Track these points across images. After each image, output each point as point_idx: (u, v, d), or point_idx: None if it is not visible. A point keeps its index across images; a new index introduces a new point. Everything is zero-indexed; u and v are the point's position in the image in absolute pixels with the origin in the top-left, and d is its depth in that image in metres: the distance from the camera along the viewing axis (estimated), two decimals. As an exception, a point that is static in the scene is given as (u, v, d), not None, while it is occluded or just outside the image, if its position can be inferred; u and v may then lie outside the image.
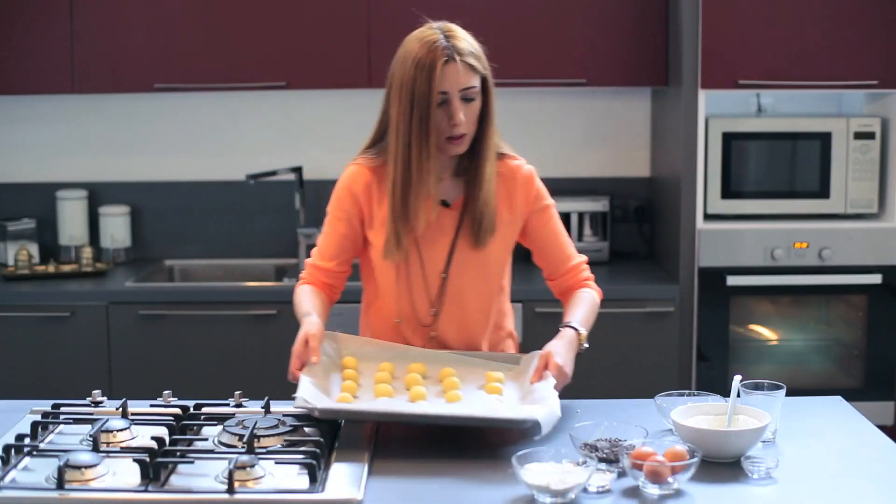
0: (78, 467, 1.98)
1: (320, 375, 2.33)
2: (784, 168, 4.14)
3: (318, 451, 2.05)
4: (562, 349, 2.38)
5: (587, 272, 2.60)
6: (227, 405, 2.40)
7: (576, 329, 2.45)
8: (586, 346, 2.46)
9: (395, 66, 2.42)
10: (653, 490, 1.95)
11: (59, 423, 2.30)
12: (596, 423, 2.18)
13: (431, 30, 2.41)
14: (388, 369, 2.39)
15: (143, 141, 4.52)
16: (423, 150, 2.37)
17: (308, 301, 2.51)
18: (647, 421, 2.26)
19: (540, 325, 3.72)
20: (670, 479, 1.95)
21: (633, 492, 1.98)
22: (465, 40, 2.39)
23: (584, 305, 2.53)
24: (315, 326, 2.38)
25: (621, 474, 2.03)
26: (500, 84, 2.46)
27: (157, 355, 4.00)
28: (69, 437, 2.24)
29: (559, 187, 3.87)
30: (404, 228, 2.43)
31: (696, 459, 1.96)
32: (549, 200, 2.56)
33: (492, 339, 2.60)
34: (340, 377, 2.38)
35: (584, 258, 2.60)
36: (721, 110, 4.24)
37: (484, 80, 2.39)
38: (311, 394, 2.20)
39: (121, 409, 2.34)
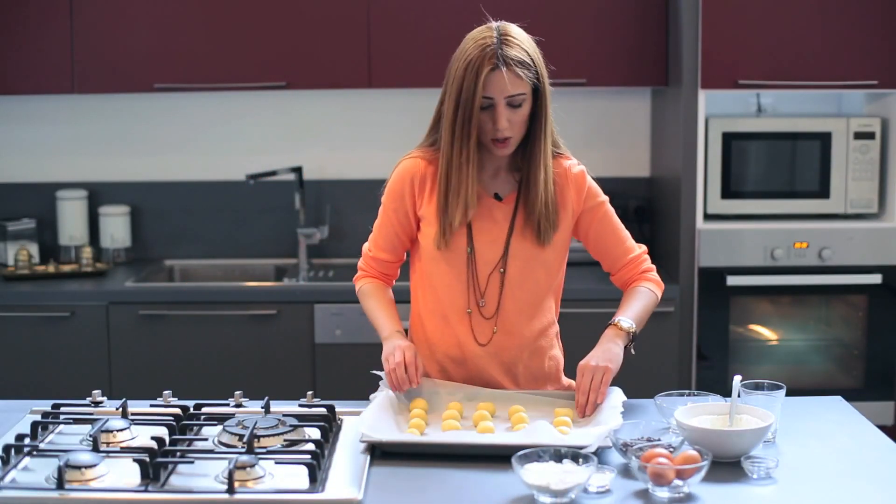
0: (78, 467, 1.98)
1: (388, 413, 2.31)
2: (784, 168, 4.14)
3: (318, 451, 2.05)
4: (593, 355, 2.41)
5: (647, 263, 2.60)
6: (227, 405, 2.40)
7: (614, 324, 2.47)
8: (634, 329, 2.47)
9: (452, 62, 2.42)
10: (662, 493, 1.95)
11: (59, 423, 2.30)
12: (634, 422, 2.19)
13: (489, 30, 2.40)
14: (457, 408, 2.36)
15: (143, 141, 4.53)
16: (464, 151, 2.39)
17: (381, 307, 2.56)
18: (647, 421, 2.26)
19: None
20: (679, 482, 1.94)
21: (640, 494, 1.98)
22: (520, 46, 2.38)
23: (635, 300, 2.54)
24: (407, 342, 2.45)
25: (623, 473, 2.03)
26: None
27: (157, 355, 4.00)
28: (69, 437, 2.25)
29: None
30: (445, 220, 2.45)
31: (705, 462, 1.96)
32: (603, 197, 2.56)
33: (546, 332, 2.58)
34: (409, 416, 2.34)
35: (643, 249, 2.61)
36: (721, 110, 4.24)
37: (535, 86, 2.39)
38: (376, 428, 2.19)
39: (121, 409, 2.34)
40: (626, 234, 2.60)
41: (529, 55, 2.39)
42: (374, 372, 2.46)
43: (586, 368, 2.37)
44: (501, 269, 2.49)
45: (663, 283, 2.63)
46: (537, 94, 2.41)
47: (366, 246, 2.62)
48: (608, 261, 2.60)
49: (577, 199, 2.52)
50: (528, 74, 2.37)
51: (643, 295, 2.56)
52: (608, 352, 2.41)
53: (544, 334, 2.55)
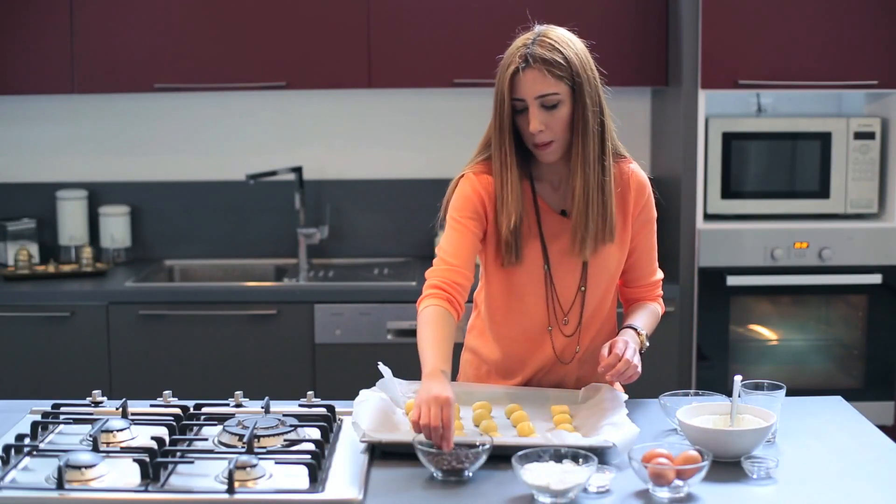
0: (78, 467, 1.98)
1: (381, 416, 2.29)
2: (784, 168, 4.14)
3: (318, 451, 2.05)
4: (623, 343, 2.34)
5: (660, 289, 2.57)
6: (227, 405, 2.40)
7: (635, 328, 2.43)
8: (647, 345, 2.44)
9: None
10: (662, 493, 1.95)
11: (59, 423, 2.30)
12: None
13: (531, 33, 2.35)
14: (455, 407, 2.36)
15: (143, 141, 4.52)
16: (504, 157, 2.32)
17: (435, 339, 2.26)
18: (650, 420, 2.26)
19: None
20: (679, 482, 1.94)
21: (639, 494, 1.98)
22: (553, 45, 2.31)
23: (646, 313, 2.51)
24: (449, 390, 2.11)
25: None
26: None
27: (157, 355, 4.00)
28: (69, 437, 2.25)
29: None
30: (503, 232, 2.37)
31: (706, 463, 1.96)
32: (654, 213, 2.49)
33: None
34: (406, 419, 2.32)
35: (661, 276, 2.56)
36: (721, 110, 4.24)
37: (575, 87, 2.31)
38: (376, 430, 2.18)
39: (121, 409, 2.34)
40: (656, 255, 2.54)
41: (563, 54, 2.31)
42: (381, 366, 2.44)
43: (627, 364, 2.28)
44: (582, 288, 2.44)
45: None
46: (576, 97, 2.33)
47: (437, 265, 2.38)
48: (631, 275, 2.52)
49: (636, 205, 2.44)
50: (557, 73, 2.29)
51: (654, 314, 2.54)
52: (637, 355, 2.34)
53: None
